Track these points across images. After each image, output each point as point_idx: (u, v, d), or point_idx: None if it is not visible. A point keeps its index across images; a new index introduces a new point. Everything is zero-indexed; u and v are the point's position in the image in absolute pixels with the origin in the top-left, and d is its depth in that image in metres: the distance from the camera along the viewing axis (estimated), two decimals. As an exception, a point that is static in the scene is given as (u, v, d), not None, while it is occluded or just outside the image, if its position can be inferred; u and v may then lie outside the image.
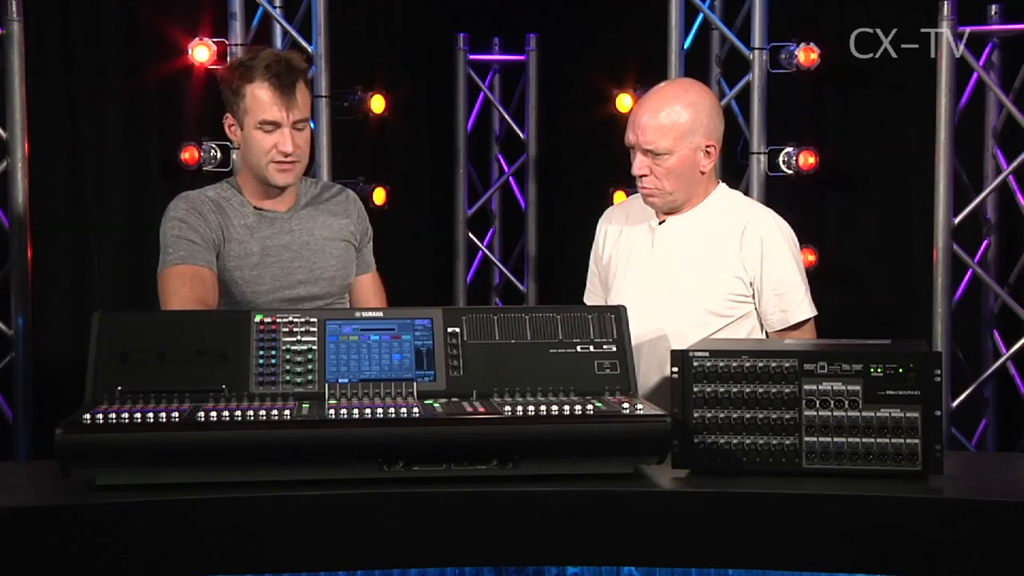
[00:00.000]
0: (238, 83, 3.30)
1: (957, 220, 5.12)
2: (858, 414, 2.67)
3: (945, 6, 5.01)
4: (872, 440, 2.67)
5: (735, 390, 2.71)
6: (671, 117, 3.32)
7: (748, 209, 3.49)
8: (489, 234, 6.31)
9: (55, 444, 2.52)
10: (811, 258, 5.50)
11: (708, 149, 3.36)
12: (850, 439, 2.67)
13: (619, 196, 5.55)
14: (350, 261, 3.45)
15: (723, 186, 3.49)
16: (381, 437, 2.59)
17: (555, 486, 2.60)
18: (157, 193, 5.28)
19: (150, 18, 5.30)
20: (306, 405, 2.68)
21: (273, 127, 3.29)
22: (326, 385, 2.76)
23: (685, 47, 5.39)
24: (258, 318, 2.85)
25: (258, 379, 2.75)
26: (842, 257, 5.62)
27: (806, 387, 2.69)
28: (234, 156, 5.25)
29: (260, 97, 3.28)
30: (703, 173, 3.39)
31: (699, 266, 3.38)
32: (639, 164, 3.35)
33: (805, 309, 3.40)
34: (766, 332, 3.45)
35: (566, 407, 2.65)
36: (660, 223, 3.45)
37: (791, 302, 3.39)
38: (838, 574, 2.58)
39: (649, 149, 3.32)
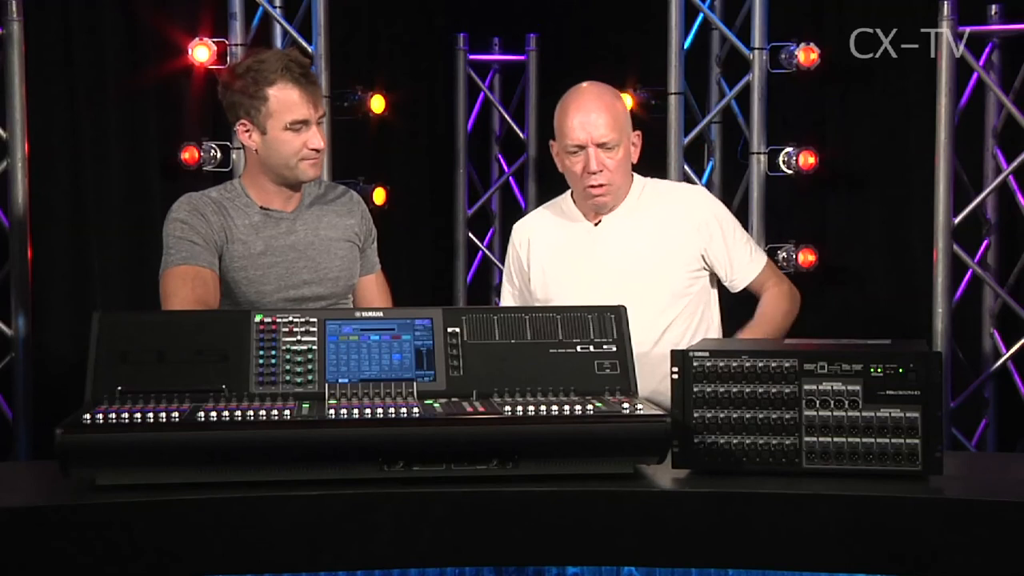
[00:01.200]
0: (255, 87, 3.27)
1: (957, 220, 5.13)
2: (858, 414, 2.67)
3: (945, 6, 5.01)
4: (872, 440, 2.67)
5: (735, 390, 2.71)
6: (614, 110, 3.40)
7: (678, 189, 3.70)
8: (489, 234, 6.31)
9: (55, 444, 2.51)
10: (811, 258, 5.51)
11: (635, 140, 3.47)
12: (850, 439, 2.67)
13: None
14: (354, 262, 3.45)
15: (636, 176, 3.56)
16: (381, 437, 2.59)
17: (555, 486, 2.60)
18: (157, 193, 5.28)
19: (150, 18, 5.30)
20: (306, 405, 2.68)
21: (303, 125, 3.30)
22: (326, 385, 2.76)
23: (685, 47, 5.39)
24: (258, 318, 2.85)
25: (258, 379, 2.75)
26: (842, 257, 5.63)
27: (806, 387, 2.69)
28: (234, 156, 5.25)
29: (287, 98, 3.28)
30: (633, 165, 3.49)
31: (657, 254, 3.43)
32: (598, 160, 3.37)
33: (762, 253, 3.60)
34: (718, 292, 3.57)
35: (566, 407, 2.65)
36: (596, 224, 3.47)
37: (752, 251, 3.55)
38: (838, 574, 2.58)
39: (604, 143, 3.36)
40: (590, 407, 2.66)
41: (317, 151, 3.31)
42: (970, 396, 5.27)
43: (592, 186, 3.39)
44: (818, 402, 2.68)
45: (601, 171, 3.37)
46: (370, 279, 3.53)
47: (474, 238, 6.18)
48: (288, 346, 2.80)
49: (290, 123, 3.28)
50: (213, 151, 5.31)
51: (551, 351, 2.83)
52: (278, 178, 3.35)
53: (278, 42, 5.29)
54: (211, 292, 3.26)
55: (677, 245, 3.44)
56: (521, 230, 3.61)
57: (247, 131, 3.32)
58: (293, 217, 3.39)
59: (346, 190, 3.54)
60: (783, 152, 5.42)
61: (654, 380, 3.12)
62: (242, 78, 3.30)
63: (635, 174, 3.54)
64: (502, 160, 6.33)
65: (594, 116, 3.38)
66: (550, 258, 3.53)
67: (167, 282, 3.26)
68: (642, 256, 3.43)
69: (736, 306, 3.69)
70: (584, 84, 3.52)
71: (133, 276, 5.20)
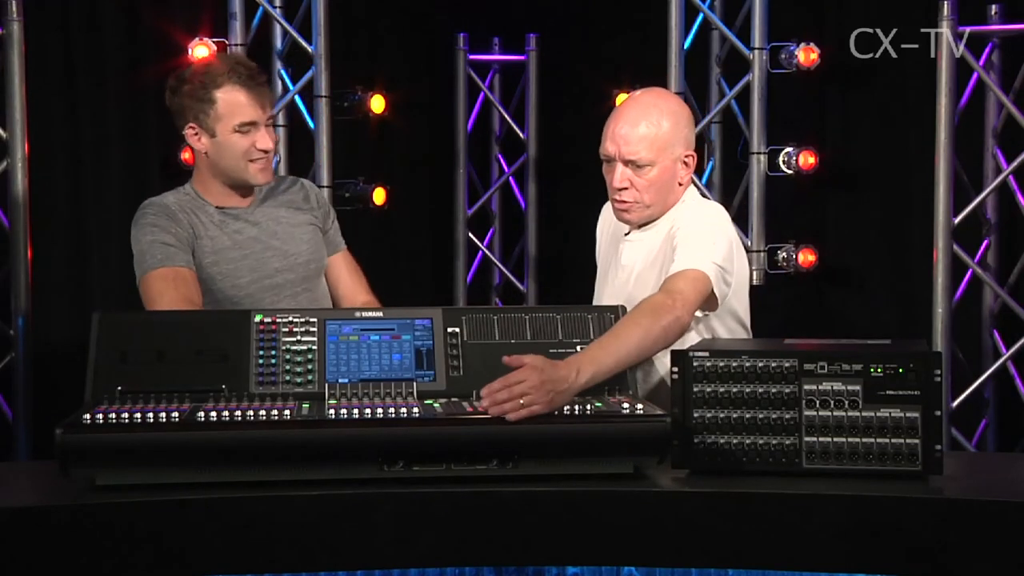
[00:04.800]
0: (203, 91, 3.33)
1: (957, 220, 5.12)
2: (858, 414, 2.68)
3: (945, 6, 5.01)
4: (872, 440, 2.67)
5: (735, 390, 2.71)
6: (653, 127, 3.19)
7: (684, 210, 3.28)
8: (489, 234, 6.31)
9: (55, 444, 2.52)
10: (811, 258, 5.51)
11: (686, 160, 3.25)
12: (850, 439, 2.68)
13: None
14: (319, 244, 3.51)
15: (690, 192, 3.32)
16: (381, 437, 2.60)
17: (555, 486, 2.60)
18: (157, 193, 5.26)
19: (150, 18, 5.30)
20: (306, 405, 2.68)
21: (251, 127, 3.34)
22: (326, 385, 2.76)
23: (685, 47, 5.39)
24: (258, 318, 2.85)
25: (258, 379, 2.76)
26: (842, 257, 5.63)
27: (806, 387, 2.69)
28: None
29: (234, 100, 3.33)
30: (680, 185, 3.27)
31: (654, 279, 3.26)
32: (620, 177, 3.21)
33: (705, 266, 3.06)
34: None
35: (566, 407, 2.65)
36: (626, 234, 3.37)
37: (697, 253, 3.09)
38: (838, 574, 2.59)
39: (631, 160, 3.19)
40: (590, 407, 2.66)
41: (265, 151, 3.36)
42: (970, 396, 5.27)
43: (615, 200, 3.27)
44: (818, 402, 2.69)
45: (626, 188, 3.22)
46: (337, 258, 3.57)
47: (474, 238, 6.18)
48: (288, 346, 2.81)
49: (238, 125, 3.34)
50: (213, 151, 5.30)
51: (551, 351, 2.83)
52: (228, 180, 3.40)
53: (278, 42, 5.30)
54: (194, 290, 3.28)
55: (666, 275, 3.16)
56: (604, 208, 3.51)
57: (196, 135, 3.38)
58: (251, 211, 3.45)
59: (296, 179, 3.61)
60: (783, 152, 5.42)
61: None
62: (190, 82, 3.36)
63: (692, 190, 3.31)
64: (502, 160, 6.33)
65: (629, 130, 3.19)
66: (602, 247, 3.48)
67: (149, 286, 3.29)
68: (643, 287, 3.24)
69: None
70: (641, 92, 3.33)
71: (133, 276, 5.18)
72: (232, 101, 3.33)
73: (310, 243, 3.47)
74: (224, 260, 3.36)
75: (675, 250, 3.12)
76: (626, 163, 3.20)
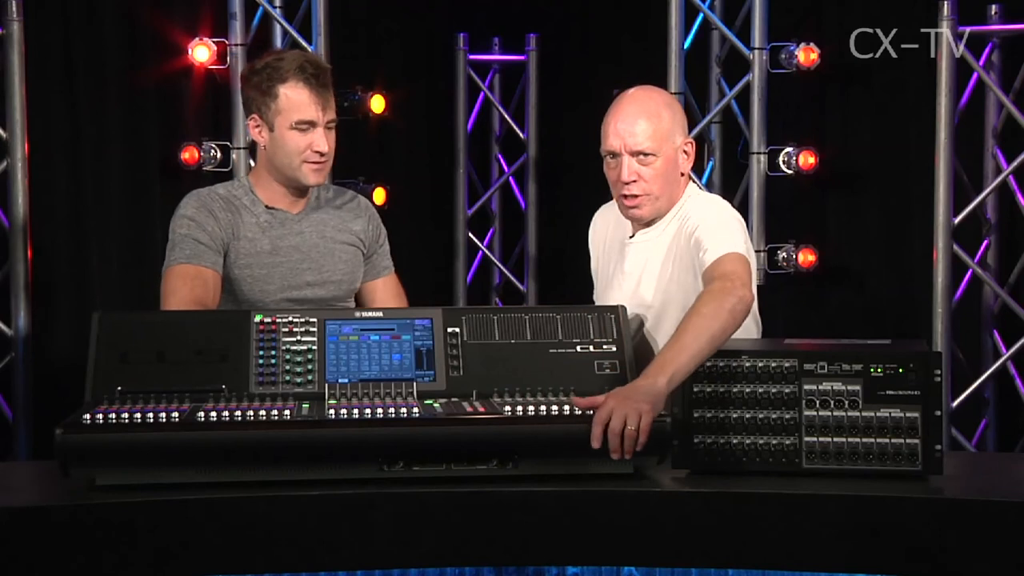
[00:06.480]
0: (268, 83, 3.30)
1: (957, 220, 5.12)
2: (858, 414, 2.68)
3: (945, 6, 5.01)
4: (872, 440, 2.67)
5: (735, 390, 2.71)
6: (654, 117, 3.25)
7: (692, 204, 3.30)
8: (489, 234, 6.31)
9: (55, 444, 2.52)
10: (811, 258, 5.51)
11: (686, 149, 3.30)
12: (850, 439, 2.68)
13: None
14: (357, 266, 3.45)
15: (691, 186, 3.36)
16: (381, 437, 2.60)
17: (555, 486, 2.60)
18: (157, 193, 5.29)
19: (150, 18, 5.30)
20: (306, 405, 2.68)
21: (309, 127, 3.31)
22: (326, 385, 2.76)
23: (685, 47, 5.39)
24: (258, 318, 2.85)
25: (258, 379, 2.76)
26: (842, 257, 5.62)
27: (806, 387, 2.69)
28: (234, 156, 5.25)
29: (296, 97, 3.29)
30: (683, 175, 3.31)
31: (666, 277, 3.27)
32: (628, 170, 3.22)
33: (742, 249, 3.09)
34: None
35: (566, 407, 2.65)
36: (631, 237, 3.37)
37: (728, 239, 3.11)
38: (838, 574, 2.59)
39: (638, 151, 3.21)
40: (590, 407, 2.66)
41: (322, 154, 3.31)
42: (970, 396, 5.27)
43: (624, 196, 3.26)
44: (818, 402, 2.69)
45: (634, 181, 3.22)
46: (379, 283, 3.50)
47: (474, 238, 6.18)
48: (288, 346, 2.81)
49: (296, 122, 3.30)
50: (213, 151, 5.30)
51: (551, 351, 2.83)
52: (283, 178, 3.36)
53: (278, 42, 5.29)
54: (210, 293, 3.26)
55: (680, 272, 3.23)
56: (595, 217, 3.52)
57: (257, 127, 3.35)
58: (299, 218, 3.39)
59: (355, 195, 3.54)
60: (783, 152, 5.41)
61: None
62: (258, 74, 3.33)
63: (693, 185, 3.36)
64: (502, 160, 6.32)
65: (631, 123, 3.23)
66: (600, 256, 3.47)
67: (168, 280, 3.27)
68: (655, 287, 3.27)
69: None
70: (633, 89, 3.38)
71: (133, 276, 5.20)
72: (294, 98, 3.29)
73: (348, 263, 3.41)
74: (258, 264, 3.32)
75: (700, 242, 3.12)
76: (633, 154, 3.23)
